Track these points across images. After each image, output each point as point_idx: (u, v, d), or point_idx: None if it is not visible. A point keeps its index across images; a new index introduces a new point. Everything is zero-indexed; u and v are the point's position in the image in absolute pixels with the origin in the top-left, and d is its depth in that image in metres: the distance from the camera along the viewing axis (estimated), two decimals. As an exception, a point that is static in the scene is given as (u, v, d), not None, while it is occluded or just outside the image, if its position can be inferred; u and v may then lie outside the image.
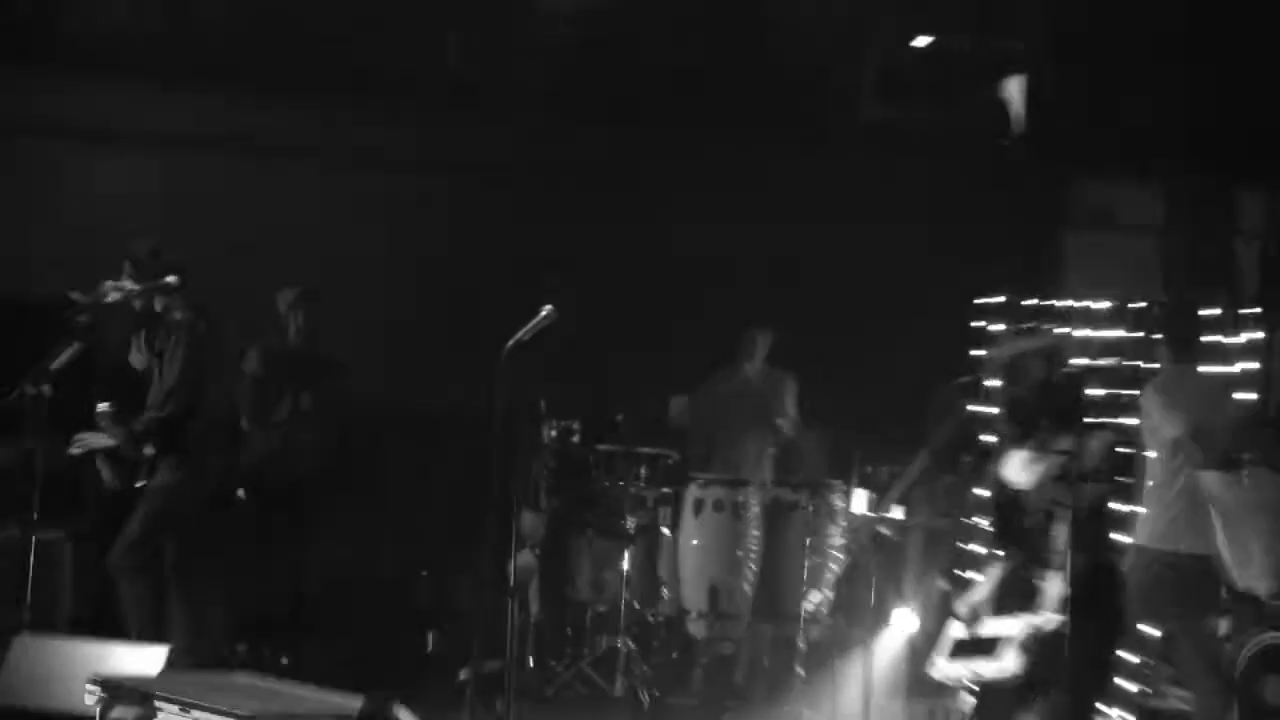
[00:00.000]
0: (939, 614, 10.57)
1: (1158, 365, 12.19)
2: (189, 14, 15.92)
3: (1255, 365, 12.99)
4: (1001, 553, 9.76)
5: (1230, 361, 12.86)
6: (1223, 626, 12.28)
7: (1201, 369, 12.07)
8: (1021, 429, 9.70)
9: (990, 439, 12.95)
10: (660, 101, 16.49)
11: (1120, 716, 12.58)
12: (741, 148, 16.30)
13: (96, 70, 15.51)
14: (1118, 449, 10.37)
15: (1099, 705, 10.33)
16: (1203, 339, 12.33)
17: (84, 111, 15.39)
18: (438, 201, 15.81)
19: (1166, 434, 11.40)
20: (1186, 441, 11.44)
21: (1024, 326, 13.16)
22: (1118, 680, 12.47)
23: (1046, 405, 9.72)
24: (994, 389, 11.00)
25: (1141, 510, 11.63)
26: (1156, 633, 12.23)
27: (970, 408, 11.60)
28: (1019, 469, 9.56)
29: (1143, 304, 13.39)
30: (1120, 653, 11.85)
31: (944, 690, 10.36)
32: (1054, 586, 9.31)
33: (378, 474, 14.72)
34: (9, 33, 15.07)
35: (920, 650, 10.59)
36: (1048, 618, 9.27)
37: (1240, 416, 11.71)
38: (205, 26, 15.90)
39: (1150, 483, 11.60)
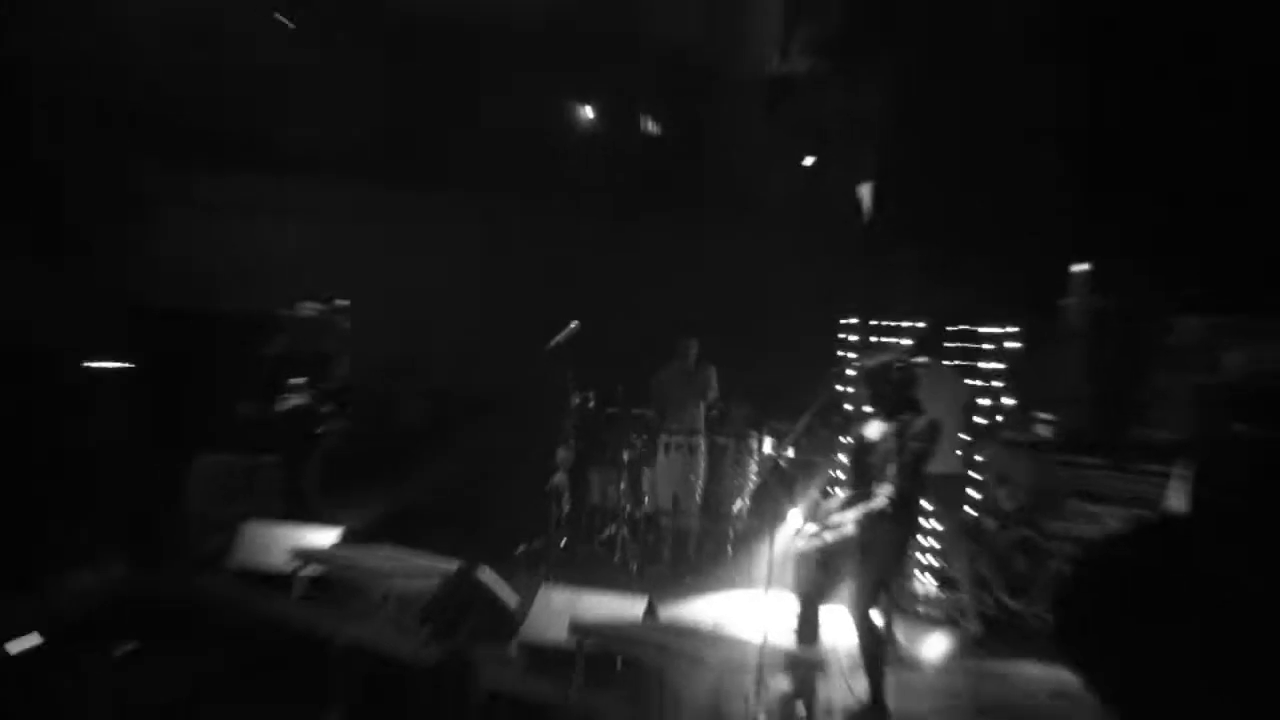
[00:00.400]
0: (811, 516, 10.74)
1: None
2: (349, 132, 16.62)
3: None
4: (851, 479, 10.62)
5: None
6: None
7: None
8: (877, 407, 10.60)
9: (851, 408, 13.71)
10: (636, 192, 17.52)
11: (925, 578, 13.65)
12: (686, 223, 17.26)
13: (294, 167, 16.27)
14: (935, 424, 10.63)
15: (894, 575, 10.90)
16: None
17: (282, 194, 16.14)
18: (496, 250, 16.52)
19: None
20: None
21: (881, 342, 14.01)
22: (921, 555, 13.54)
23: (893, 393, 10.55)
24: (861, 381, 10.98)
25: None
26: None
27: (836, 386, 12.80)
28: (874, 430, 10.49)
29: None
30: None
31: (805, 555, 10.58)
32: (881, 492, 10.22)
33: (471, 425, 15.55)
34: (236, 138, 16.05)
35: (800, 536, 10.65)
36: (877, 504, 10.19)
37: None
38: (361, 139, 16.67)
39: None
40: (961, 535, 13.01)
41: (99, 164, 14.91)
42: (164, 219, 15.34)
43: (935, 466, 11.50)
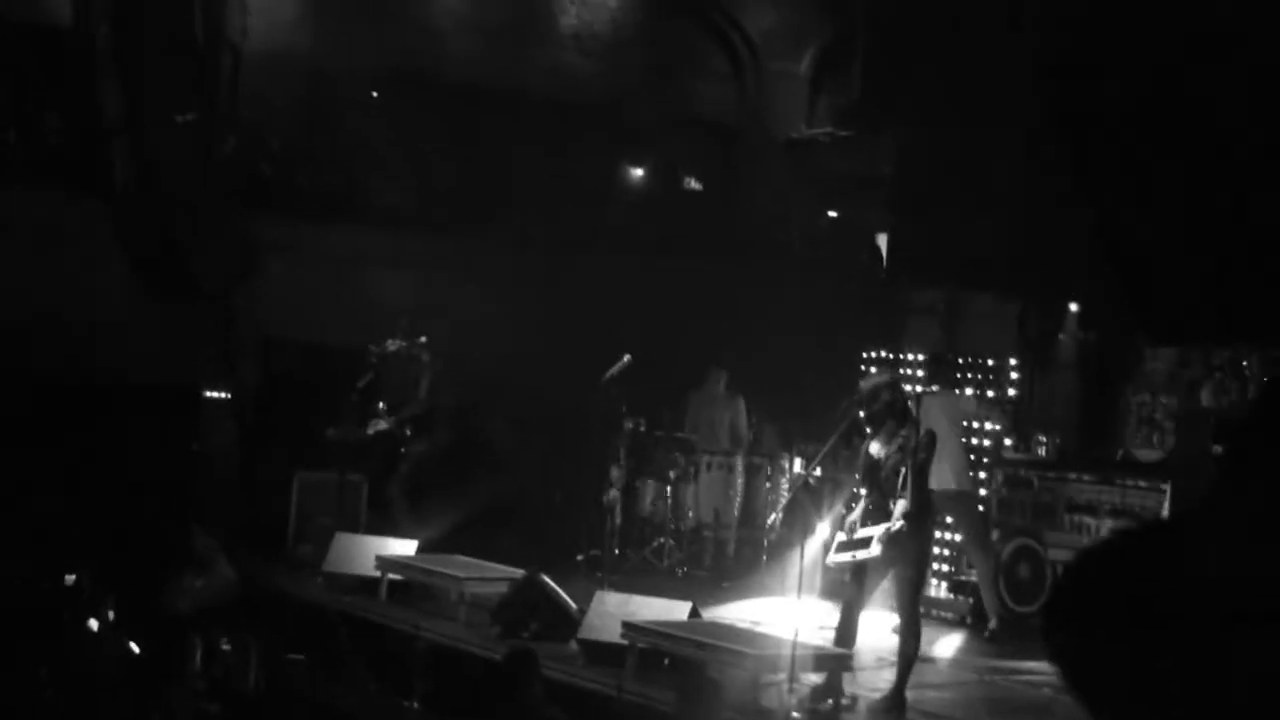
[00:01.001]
0: (837, 527, 10.45)
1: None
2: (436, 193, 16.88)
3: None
4: (866, 493, 10.27)
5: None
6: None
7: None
8: (872, 426, 10.30)
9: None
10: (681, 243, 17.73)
11: (936, 584, 13.58)
12: (726, 268, 17.24)
13: (388, 222, 16.41)
14: (931, 435, 10.05)
15: (926, 577, 10.75)
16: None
17: (377, 245, 16.22)
18: (559, 294, 16.41)
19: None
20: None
21: (874, 369, 13.71)
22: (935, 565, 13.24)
23: (889, 411, 10.20)
24: (857, 404, 10.81)
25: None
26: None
27: (858, 411, 11.50)
28: (877, 447, 10.15)
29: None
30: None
31: (839, 568, 10.46)
32: (898, 510, 9.82)
33: (536, 448, 15.61)
34: (330, 197, 16.37)
35: (829, 547, 10.42)
36: (896, 525, 9.78)
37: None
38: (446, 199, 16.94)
39: None
40: (978, 545, 12.84)
41: (222, 221, 14.86)
42: (283, 268, 15.33)
43: (947, 484, 11.77)
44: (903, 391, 10.72)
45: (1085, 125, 13.09)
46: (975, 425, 13.65)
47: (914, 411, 11.02)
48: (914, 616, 10.06)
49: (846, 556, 10.11)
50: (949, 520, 13.12)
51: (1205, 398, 12.26)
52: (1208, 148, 12.28)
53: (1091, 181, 13.09)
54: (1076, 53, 13.04)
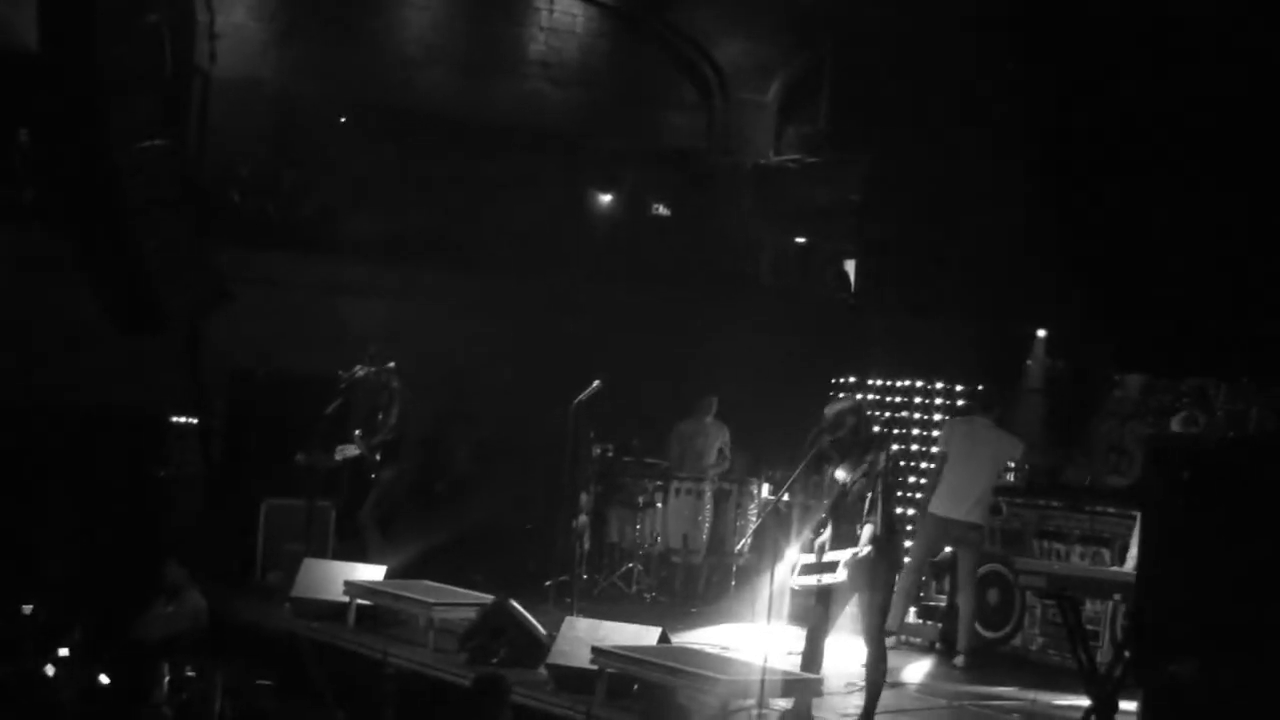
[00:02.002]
0: (806, 552, 10.12)
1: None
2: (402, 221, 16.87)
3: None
4: (833, 519, 10.12)
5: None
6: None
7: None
8: (838, 452, 10.20)
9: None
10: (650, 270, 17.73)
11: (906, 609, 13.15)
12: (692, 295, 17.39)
13: (350, 249, 16.29)
14: (898, 460, 11.07)
15: (890, 603, 10.26)
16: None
17: (346, 274, 16.15)
18: (528, 321, 16.40)
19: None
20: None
21: (839, 395, 13.35)
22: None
23: (854, 437, 10.15)
24: (824, 429, 10.35)
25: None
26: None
27: (826, 437, 12.35)
28: (843, 473, 10.10)
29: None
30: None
31: (801, 591, 10.33)
32: (865, 535, 9.78)
33: (505, 473, 15.47)
34: (299, 226, 16.36)
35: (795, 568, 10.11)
36: (863, 551, 9.74)
37: None
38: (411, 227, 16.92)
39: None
40: (971, 580, 12.74)
41: (191, 250, 14.13)
42: (247, 297, 14.74)
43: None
44: (868, 417, 10.69)
45: (1059, 149, 13.43)
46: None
47: (879, 435, 11.01)
48: (879, 642, 9.96)
49: (811, 580, 10.06)
50: (948, 550, 13.11)
51: (1175, 425, 12.25)
52: (1186, 170, 12.59)
53: (1066, 208, 13.36)
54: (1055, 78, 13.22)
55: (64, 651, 11.08)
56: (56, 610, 11.54)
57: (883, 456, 10.18)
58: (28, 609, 11.45)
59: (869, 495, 9.91)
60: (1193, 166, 12.67)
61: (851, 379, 14.78)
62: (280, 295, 15.51)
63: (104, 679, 10.85)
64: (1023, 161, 13.37)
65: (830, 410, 10.54)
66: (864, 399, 12.95)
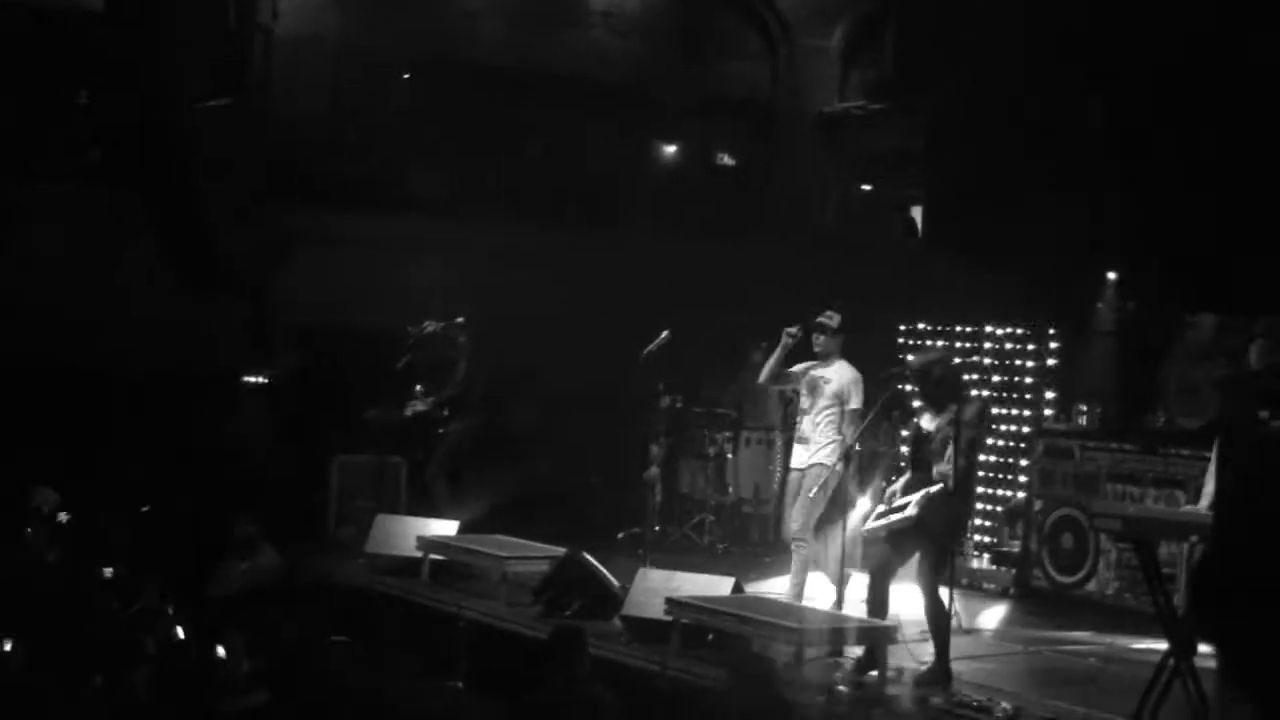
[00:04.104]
0: (877, 500, 10.64)
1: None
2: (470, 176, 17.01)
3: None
4: (910, 466, 10.27)
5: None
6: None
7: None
8: (926, 401, 10.32)
9: (911, 403, 12.59)
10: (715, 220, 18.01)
11: (979, 555, 13.64)
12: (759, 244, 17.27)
13: (413, 205, 16.44)
14: (983, 409, 10.59)
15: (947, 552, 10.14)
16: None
17: (410, 229, 16.12)
18: (596, 273, 16.36)
19: None
20: None
21: (926, 344, 13.85)
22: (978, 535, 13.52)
23: (940, 386, 10.19)
24: (911, 379, 10.89)
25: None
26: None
27: (896, 384, 11.92)
28: (928, 420, 10.18)
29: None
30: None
31: (872, 537, 10.38)
32: (939, 476, 9.87)
33: (575, 426, 15.61)
34: (362, 183, 16.33)
35: (868, 517, 10.49)
36: (935, 488, 9.85)
37: None
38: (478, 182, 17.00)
39: None
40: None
41: (256, 208, 15.01)
42: (317, 255, 15.38)
43: None
44: (954, 367, 10.76)
45: (1124, 92, 13.30)
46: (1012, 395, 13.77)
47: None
48: (934, 591, 9.94)
49: (882, 522, 10.17)
50: (1020, 495, 13.36)
51: (1253, 361, 12.13)
52: (1256, 117, 12.46)
53: (1136, 148, 13.30)
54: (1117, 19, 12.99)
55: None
56: (132, 570, 11.52)
57: (969, 408, 10.20)
58: (108, 572, 11.49)
59: (950, 443, 9.92)
60: (1263, 104, 12.57)
61: (920, 326, 14.63)
62: (345, 252, 15.57)
63: (180, 632, 10.88)
64: (1094, 100, 13.31)
65: (917, 360, 10.68)
66: (949, 348, 12.99)
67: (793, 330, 11.46)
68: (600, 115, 17.65)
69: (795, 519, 11.50)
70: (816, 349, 11.55)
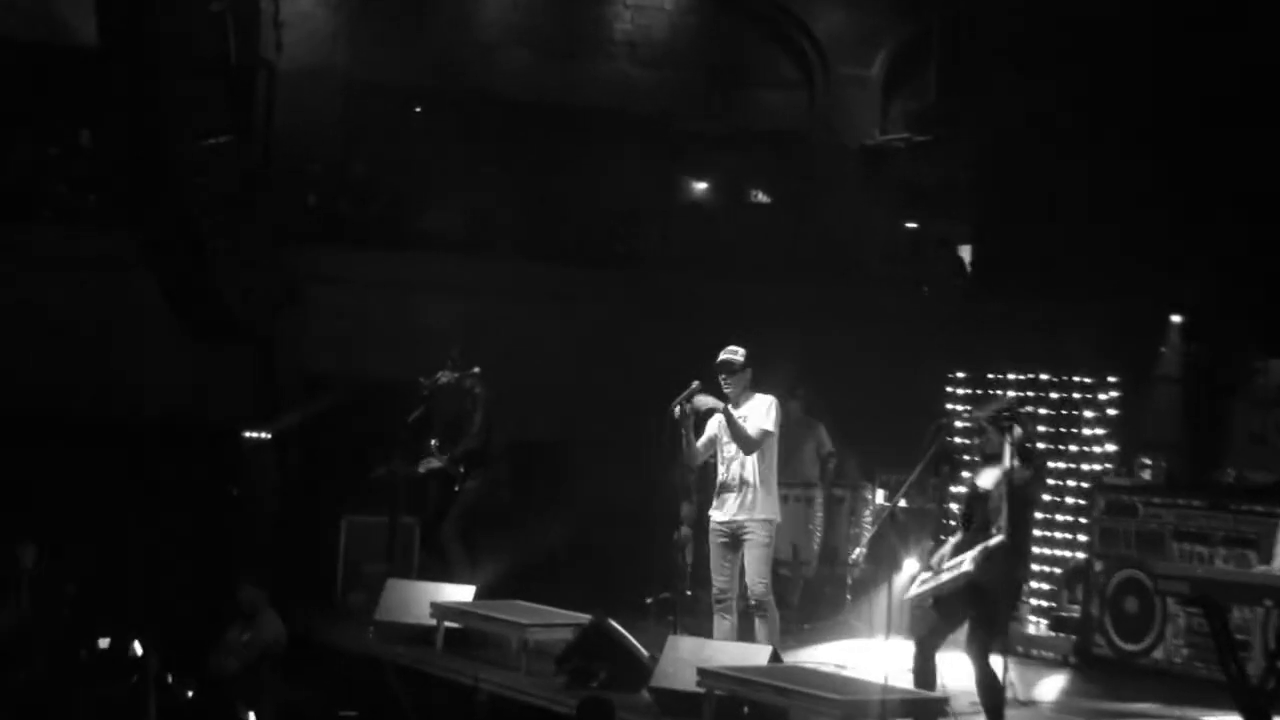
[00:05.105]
0: (925, 562, 10.36)
1: None
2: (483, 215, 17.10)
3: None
4: (963, 525, 10.20)
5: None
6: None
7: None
8: (988, 458, 10.19)
9: (966, 458, 12.74)
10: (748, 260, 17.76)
11: (1036, 621, 13.63)
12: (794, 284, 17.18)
13: (427, 245, 16.57)
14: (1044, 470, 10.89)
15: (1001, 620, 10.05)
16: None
17: (423, 270, 16.17)
18: (618, 317, 16.42)
19: None
20: None
21: (990, 394, 13.62)
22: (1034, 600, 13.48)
23: (1009, 440, 9.93)
24: (976, 430, 10.64)
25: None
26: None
27: (945, 437, 11.79)
28: (985, 478, 10.10)
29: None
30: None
31: (919, 602, 10.35)
32: (997, 533, 9.76)
33: (600, 482, 15.42)
34: (373, 222, 16.50)
35: (915, 581, 10.29)
36: (994, 541, 9.72)
37: None
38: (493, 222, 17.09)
39: None
40: None
41: (260, 250, 14.89)
42: (325, 298, 15.52)
43: None
44: (1025, 417, 10.59)
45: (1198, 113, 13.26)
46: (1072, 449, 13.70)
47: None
48: (985, 662, 9.84)
49: (931, 585, 10.09)
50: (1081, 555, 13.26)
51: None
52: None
53: (1201, 182, 13.25)
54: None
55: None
56: (130, 640, 11.53)
57: (1028, 465, 10.11)
58: (104, 643, 11.52)
59: (1007, 502, 9.84)
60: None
61: (968, 374, 14.60)
62: (355, 296, 15.66)
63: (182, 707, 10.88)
64: (1156, 127, 13.29)
65: (983, 411, 10.53)
66: (1018, 398, 12.72)
67: (684, 403, 11.23)
68: (624, 149, 17.69)
69: (757, 581, 11.30)
70: (726, 391, 11.31)
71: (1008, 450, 9.93)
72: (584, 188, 17.38)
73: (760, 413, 11.25)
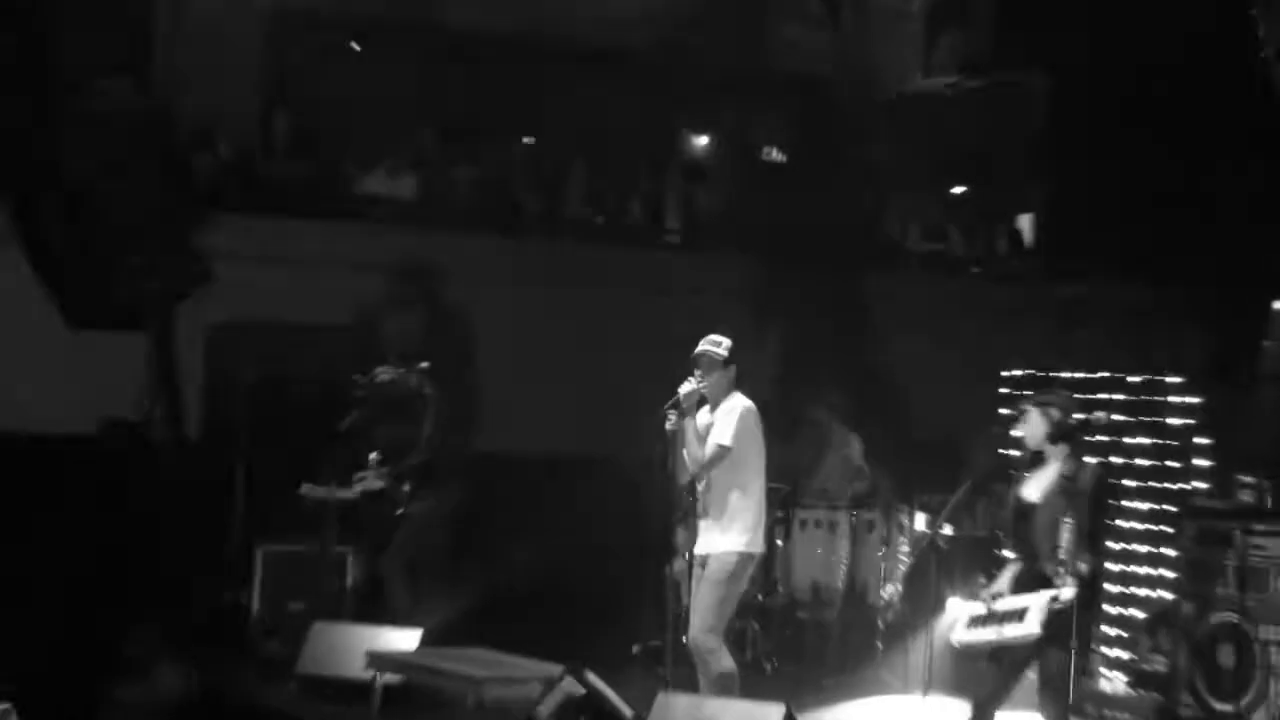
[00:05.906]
0: (974, 603, 10.53)
1: None
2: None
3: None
4: (1018, 552, 10.39)
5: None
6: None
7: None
8: (1036, 462, 10.36)
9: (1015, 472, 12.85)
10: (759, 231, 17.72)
11: (1113, 675, 13.68)
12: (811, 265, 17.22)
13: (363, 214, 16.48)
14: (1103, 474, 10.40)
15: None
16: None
17: (360, 245, 16.06)
18: (590, 299, 16.45)
19: None
20: None
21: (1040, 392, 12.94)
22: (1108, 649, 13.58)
23: (1057, 443, 10.26)
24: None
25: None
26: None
27: (998, 449, 12.44)
28: (1031, 489, 10.26)
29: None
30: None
31: (970, 651, 10.42)
32: (1068, 580, 9.75)
33: (576, 505, 15.29)
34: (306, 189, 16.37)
35: (962, 623, 10.47)
36: (1066, 593, 9.70)
37: None
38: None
39: None
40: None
41: (160, 220, 14.92)
42: (239, 279, 15.40)
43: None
44: (1074, 418, 10.62)
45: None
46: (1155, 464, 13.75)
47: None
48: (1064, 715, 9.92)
49: (987, 634, 10.10)
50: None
51: None
52: None
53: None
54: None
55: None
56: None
57: (1084, 472, 10.16)
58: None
59: (1067, 521, 9.81)
60: None
61: (1026, 373, 14.60)
62: (276, 275, 15.56)
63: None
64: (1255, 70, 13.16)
65: (1033, 410, 10.52)
66: (1069, 395, 12.50)
67: (676, 412, 11.28)
68: (610, 96, 17.73)
69: (696, 623, 11.36)
70: (701, 388, 11.37)
71: (1058, 447, 10.14)
72: (561, 143, 17.57)
73: (721, 422, 11.30)
